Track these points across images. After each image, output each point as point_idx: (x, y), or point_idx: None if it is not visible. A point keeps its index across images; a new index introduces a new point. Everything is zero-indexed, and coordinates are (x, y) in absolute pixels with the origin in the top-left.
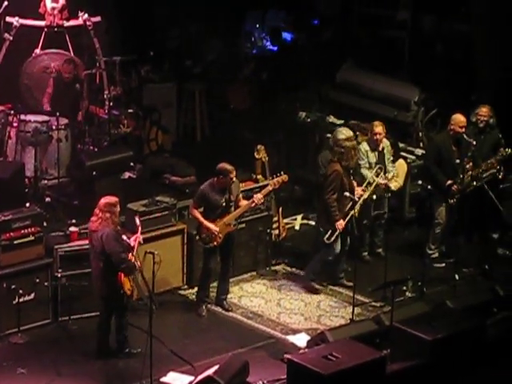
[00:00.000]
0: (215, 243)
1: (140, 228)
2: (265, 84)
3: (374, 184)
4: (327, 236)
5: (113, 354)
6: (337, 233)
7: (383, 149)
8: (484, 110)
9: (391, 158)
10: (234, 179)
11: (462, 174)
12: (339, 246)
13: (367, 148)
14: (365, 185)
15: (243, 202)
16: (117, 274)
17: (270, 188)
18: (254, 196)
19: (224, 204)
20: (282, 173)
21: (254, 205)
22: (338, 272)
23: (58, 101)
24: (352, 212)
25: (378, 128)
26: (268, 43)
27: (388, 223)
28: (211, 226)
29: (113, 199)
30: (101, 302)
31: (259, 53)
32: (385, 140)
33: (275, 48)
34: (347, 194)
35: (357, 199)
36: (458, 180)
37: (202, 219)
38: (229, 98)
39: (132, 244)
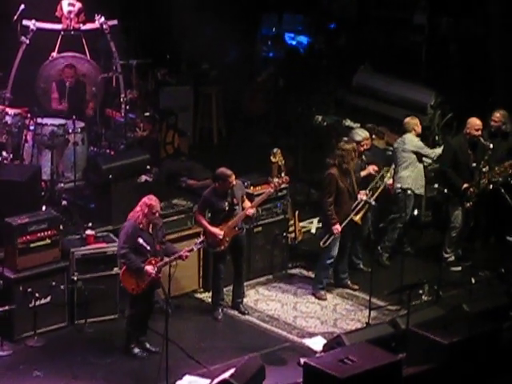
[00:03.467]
0: (222, 247)
1: (194, 246)
2: (281, 87)
3: (381, 188)
4: (323, 240)
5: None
6: (332, 237)
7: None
8: (497, 116)
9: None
10: (235, 182)
11: (479, 178)
12: (336, 250)
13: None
14: (368, 189)
15: (246, 203)
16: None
17: (270, 190)
18: (249, 207)
19: (227, 208)
20: (283, 174)
21: (250, 214)
22: (340, 273)
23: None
24: (352, 216)
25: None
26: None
27: (405, 226)
28: (216, 230)
29: (150, 201)
30: None
31: (276, 56)
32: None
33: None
34: (363, 197)
35: (373, 203)
36: (474, 183)
37: (206, 225)
38: (244, 105)
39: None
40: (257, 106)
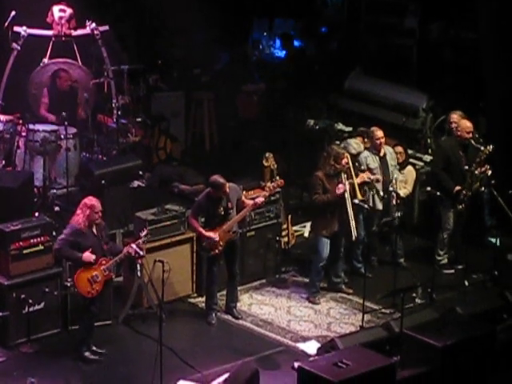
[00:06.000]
0: (217, 251)
1: (140, 240)
2: (274, 92)
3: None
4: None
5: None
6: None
7: (385, 155)
8: (454, 117)
9: (395, 164)
10: (228, 190)
11: (471, 180)
12: (326, 252)
13: (366, 154)
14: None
15: (248, 202)
16: (76, 272)
17: (266, 193)
18: (254, 201)
19: (222, 213)
20: (277, 177)
21: (260, 202)
22: (333, 277)
23: (55, 110)
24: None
25: (380, 132)
26: (276, 51)
27: (397, 229)
28: (210, 234)
29: (91, 201)
30: None
31: (267, 60)
32: (386, 146)
33: (283, 55)
34: (356, 201)
35: (366, 206)
36: (466, 186)
37: (200, 229)
38: (238, 107)
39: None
40: (249, 112)
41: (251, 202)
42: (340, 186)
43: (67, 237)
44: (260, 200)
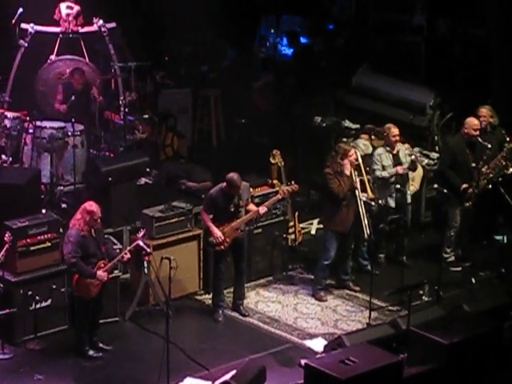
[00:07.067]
0: (222, 247)
1: (137, 241)
2: (282, 88)
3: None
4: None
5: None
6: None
7: (398, 152)
8: (484, 111)
9: (407, 162)
10: (242, 186)
11: (478, 178)
12: (334, 251)
13: (381, 151)
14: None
15: (252, 207)
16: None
17: (279, 196)
18: (261, 206)
19: (232, 209)
20: (293, 182)
21: (262, 212)
22: (342, 274)
23: (72, 109)
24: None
25: (396, 129)
26: (283, 48)
27: (405, 228)
28: (216, 231)
29: (91, 207)
30: None
31: (275, 57)
32: (399, 144)
33: (290, 53)
34: (364, 198)
35: (373, 203)
36: (473, 183)
37: (209, 223)
38: (253, 99)
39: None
40: (265, 104)
41: (254, 207)
42: (351, 153)
43: (75, 247)
44: (263, 210)
